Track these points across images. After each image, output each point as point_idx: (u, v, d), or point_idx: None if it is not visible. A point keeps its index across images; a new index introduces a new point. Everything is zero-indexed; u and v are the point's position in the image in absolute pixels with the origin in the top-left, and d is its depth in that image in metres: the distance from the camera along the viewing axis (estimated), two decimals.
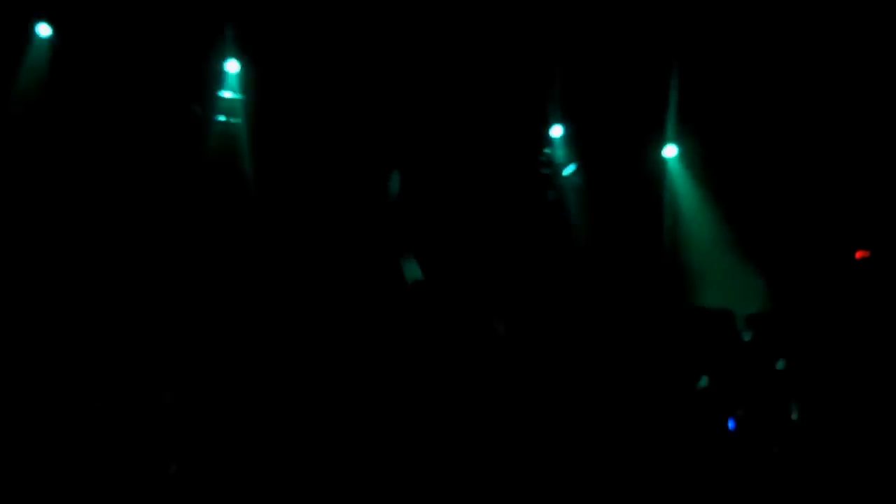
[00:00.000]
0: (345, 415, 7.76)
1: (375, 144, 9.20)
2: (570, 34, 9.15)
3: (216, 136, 8.74)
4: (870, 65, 8.66)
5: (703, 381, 8.78)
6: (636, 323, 9.26)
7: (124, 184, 8.28)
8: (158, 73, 8.48)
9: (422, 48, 8.92)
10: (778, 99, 9.10)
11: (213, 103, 8.79)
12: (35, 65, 8.06)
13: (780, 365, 8.74)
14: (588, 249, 9.73)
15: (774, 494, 8.08)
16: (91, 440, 6.65)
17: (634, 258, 9.65)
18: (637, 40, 9.15)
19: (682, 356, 8.85)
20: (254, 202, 8.49)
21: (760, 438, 8.67)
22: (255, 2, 8.56)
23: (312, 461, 7.40)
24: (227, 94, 8.77)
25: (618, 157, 9.66)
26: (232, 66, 8.73)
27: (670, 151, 9.72)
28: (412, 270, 8.75)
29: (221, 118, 8.79)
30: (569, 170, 9.88)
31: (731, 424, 8.74)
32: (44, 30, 8.11)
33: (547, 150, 9.80)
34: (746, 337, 8.88)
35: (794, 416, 8.52)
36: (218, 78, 8.74)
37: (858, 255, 9.09)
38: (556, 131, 9.67)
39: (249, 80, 8.76)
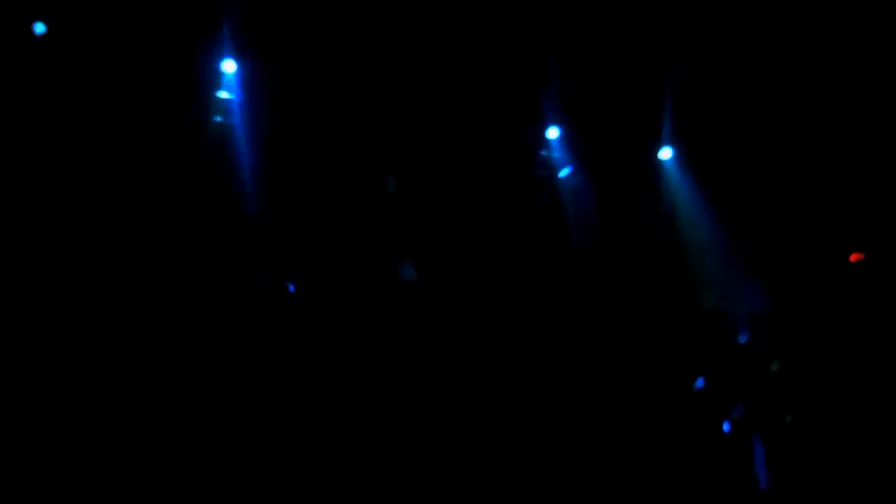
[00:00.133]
0: (343, 415, 7.75)
1: (372, 145, 9.18)
2: (566, 36, 9.16)
3: (213, 136, 8.71)
4: (869, 65, 8.69)
5: (700, 383, 8.81)
6: (634, 325, 9.28)
7: (122, 184, 8.23)
8: (155, 74, 8.44)
9: (419, 49, 8.91)
10: (775, 100, 9.13)
11: (210, 104, 8.75)
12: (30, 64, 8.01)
13: (775, 367, 8.77)
14: (584, 252, 9.73)
15: (775, 494, 8.11)
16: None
17: (631, 261, 9.66)
18: (633, 42, 9.16)
19: (678, 358, 8.87)
20: (252, 203, 8.46)
21: (756, 440, 8.70)
22: (252, 2, 8.54)
23: (311, 461, 7.39)
24: (223, 94, 8.73)
25: (614, 160, 9.67)
26: (228, 67, 8.70)
27: (666, 154, 9.74)
28: (408, 272, 8.75)
29: (218, 119, 8.76)
30: (565, 172, 9.88)
31: (726, 427, 8.77)
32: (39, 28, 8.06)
33: (543, 152, 9.80)
34: (743, 339, 8.91)
35: (789, 418, 8.55)
36: (214, 78, 8.70)
37: (853, 257, 9.12)
38: (553, 133, 9.68)
39: (246, 80, 8.72)
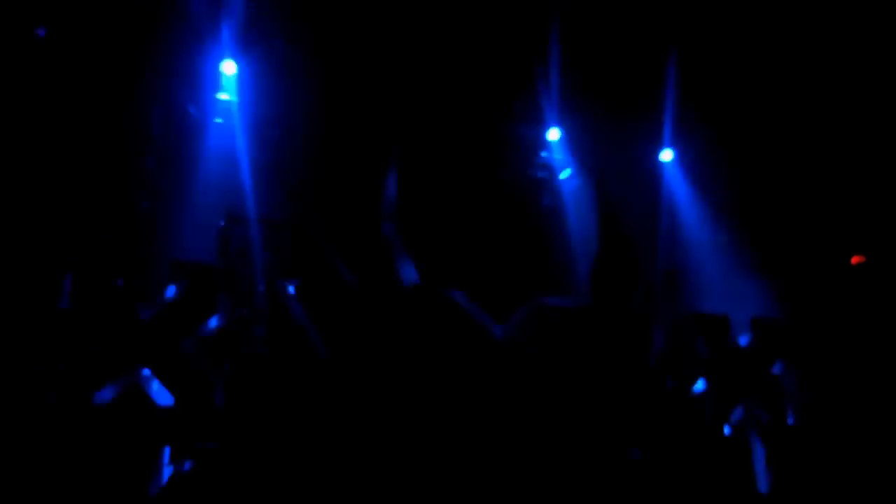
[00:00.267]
0: (341, 416, 7.73)
1: (371, 147, 9.17)
2: (567, 38, 9.16)
3: (212, 138, 8.72)
4: (869, 65, 8.69)
5: (700, 386, 8.80)
6: (632, 328, 9.26)
7: (121, 185, 8.23)
8: (154, 75, 8.44)
9: (419, 50, 8.90)
10: (775, 102, 9.13)
11: (210, 105, 8.75)
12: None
13: (777, 368, 8.77)
14: (584, 254, 9.72)
15: (775, 497, 8.10)
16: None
17: (631, 262, 9.65)
18: (634, 44, 9.16)
19: (678, 360, 8.85)
20: (251, 205, 8.45)
21: (755, 442, 8.70)
22: (252, 1, 8.54)
23: (310, 461, 7.37)
24: (223, 95, 8.73)
25: (614, 161, 9.67)
26: (228, 68, 8.70)
27: (667, 155, 9.74)
28: (408, 273, 8.73)
29: (218, 120, 8.76)
30: (565, 174, 9.88)
31: (726, 430, 8.76)
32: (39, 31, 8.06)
33: (543, 154, 9.80)
34: (744, 341, 8.90)
35: (792, 420, 8.54)
36: (214, 79, 8.71)
37: (854, 260, 9.12)
38: (553, 135, 9.68)
39: (246, 81, 8.73)
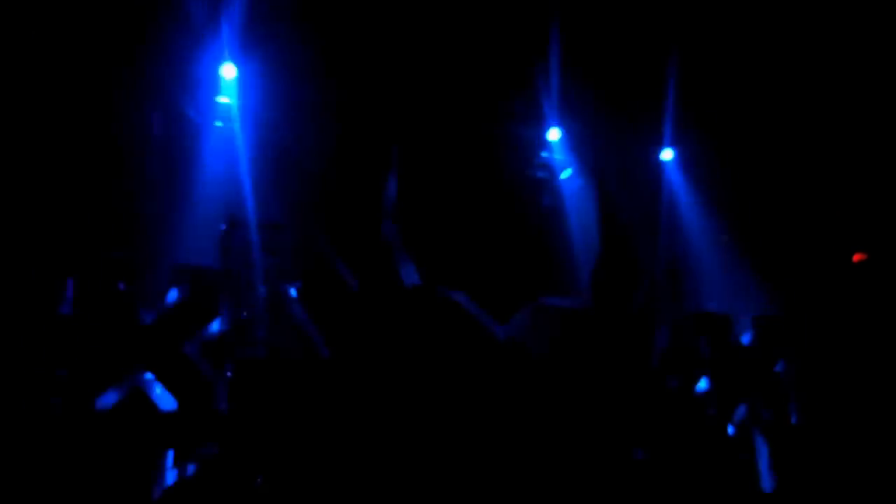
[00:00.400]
0: (344, 418, 7.73)
1: (372, 148, 9.17)
2: (567, 38, 9.15)
3: (212, 141, 8.73)
4: (869, 65, 8.68)
5: (702, 385, 8.79)
6: (634, 327, 9.25)
7: (122, 189, 8.23)
8: (154, 79, 8.45)
9: (420, 50, 8.90)
10: (776, 101, 9.12)
11: (209, 108, 8.76)
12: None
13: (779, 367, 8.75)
14: (585, 254, 9.72)
15: (779, 493, 8.09)
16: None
17: (632, 262, 9.65)
18: (635, 44, 9.16)
19: (681, 360, 8.84)
20: (252, 208, 8.45)
21: (759, 441, 8.68)
22: (251, 5, 8.54)
23: (312, 463, 7.37)
24: (223, 99, 8.74)
25: (615, 161, 9.67)
26: (228, 72, 8.71)
27: (667, 155, 9.74)
28: (409, 274, 8.73)
29: (218, 124, 8.76)
30: (566, 174, 9.88)
31: (729, 429, 8.75)
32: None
33: (544, 154, 9.80)
34: (747, 340, 8.89)
35: (795, 418, 8.54)
36: (214, 83, 8.71)
37: (856, 257, 9.11)
38: (554, 135, 9.68)
39: (246, 84, 8.73)
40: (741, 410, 8.75)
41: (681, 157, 9.75)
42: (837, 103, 8.97)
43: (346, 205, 9.04)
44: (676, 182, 9.76)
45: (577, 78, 9.32)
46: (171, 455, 6.99)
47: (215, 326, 7.41)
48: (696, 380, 8.76)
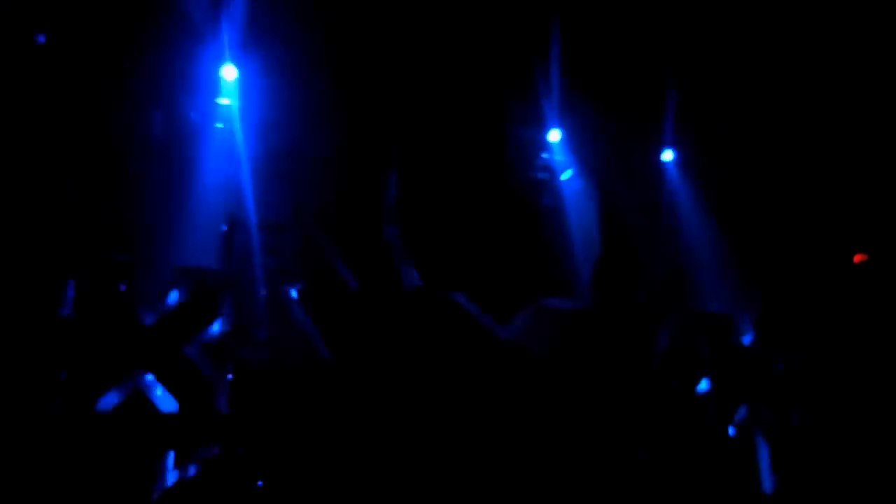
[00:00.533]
0: (345, 420, 7.72)
1: (372, 149, 9.17)
2: (567, 39, 9.16)
3: (213, 142, 8.73)
4: (869, 66, 8.68)
5: (704, 386, 8.78)
6: (635, 328, 9.25)
7: (122, 191, 8.23)
8: (155, 80, 8.45)
9: (421, 52, 8.90)
10: (776, 102, 9.12)
11: (210, 110, 8.77)
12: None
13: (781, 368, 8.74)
14: (586, 255, 9.71)
15: (781, 495, 8.08)
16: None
17: (633, 263, 9.64)
18: (635, 44, 9.16)
19: (682, 360, 8.84)
20: (253, 209, 8.46)
21: (761, 442, 8.68)
22: (251, 5, 8.55)
23: (314, 465, 7.37)
24: (224, 100, 8.74)
25: (616, 162, 9.67)
26: (228, 73, 8.71)
27: (668, 156, 9.75)
28: (410, 276, 8.72)
29: (219, 125, 8.77)
30: (566, 175, 9.88)
31: (731, 430, 8.74)
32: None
33: (545, 155, 9.80)
34: (748, 340, 8.89)
35: (797, 420, 8.52)
36: (214, 84, 8.72)
37: (857, 258, 9.10)
38: (554, 136, 9.68)
39: (246, 85, 8.73)
40: (742, 411, 8.74)
41: (681, 158, 9.75)
42: (838, 104, 8.97)
43: (346, 206, 9.04)
44: (677, 183, 9.76)
45: (578, 79, 9.32)
46: (171, 456, 6.99)
47: (216, 328, 7.40)
48: (697, 380, 8.76)
